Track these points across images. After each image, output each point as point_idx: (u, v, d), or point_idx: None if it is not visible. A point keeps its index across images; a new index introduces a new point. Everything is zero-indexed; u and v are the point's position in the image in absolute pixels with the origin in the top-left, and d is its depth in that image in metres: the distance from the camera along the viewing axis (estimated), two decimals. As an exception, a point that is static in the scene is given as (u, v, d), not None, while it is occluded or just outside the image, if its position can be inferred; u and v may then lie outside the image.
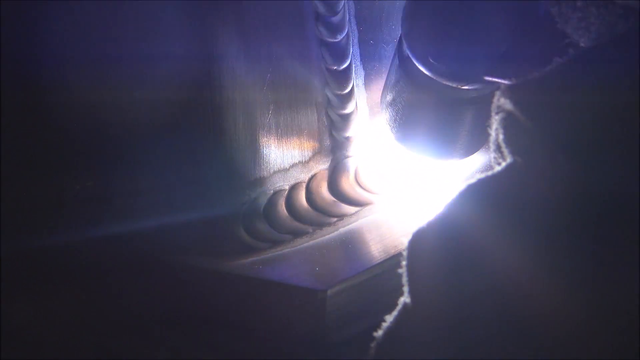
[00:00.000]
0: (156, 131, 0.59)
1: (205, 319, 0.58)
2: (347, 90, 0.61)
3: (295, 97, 0.60)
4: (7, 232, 0.60)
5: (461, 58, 0.52)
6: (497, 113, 0.41)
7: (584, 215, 0.38)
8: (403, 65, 0.55)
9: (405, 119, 0.58)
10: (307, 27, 0.59)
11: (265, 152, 0.59)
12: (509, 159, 0.41)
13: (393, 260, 0.58)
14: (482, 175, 0.41)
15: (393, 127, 0.59)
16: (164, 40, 0.57)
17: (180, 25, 0.56)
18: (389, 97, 0.59)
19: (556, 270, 0.38)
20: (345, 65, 0.60)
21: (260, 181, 0.59)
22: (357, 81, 0.62)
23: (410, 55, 0.53)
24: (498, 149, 0.42)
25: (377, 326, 0.45)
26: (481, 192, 0.41)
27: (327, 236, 0.62)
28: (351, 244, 0.61)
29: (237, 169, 0.58)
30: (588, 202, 0.38)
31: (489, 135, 0.56)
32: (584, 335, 0.38)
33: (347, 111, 0.61)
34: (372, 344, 0.44)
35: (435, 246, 0.42)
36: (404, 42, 0.54)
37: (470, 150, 0.58)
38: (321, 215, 0.62)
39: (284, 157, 0.60)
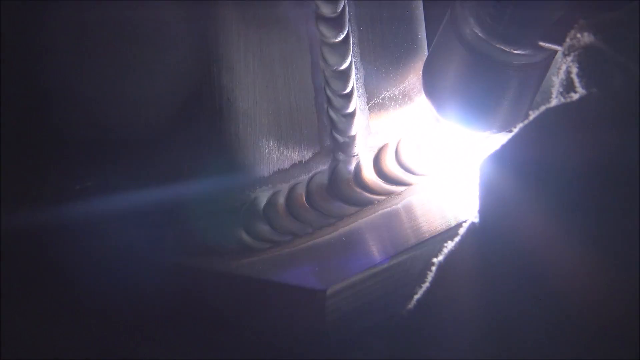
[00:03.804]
0: (156, 132, 0.59)
1: (205, 319, 0.58)
2: (347, 91, 0.61)
3: (296, 97, 0.60)
4: (7, 232, 0.60)
5: (519, 20, 0.53)
6: (568, 54, 0.43)
7: None
8: (455, 28, 0.57)
9: (451, 84, 0.60)
10: (307, 27, 0.59)
11: (265, 152, 0.59)
12: (581, 92, 0.42)
13: (393, 260, 0.58)
14: (560, 102, 0.43)
15: (435, 94, 0.61)
16: (163, 41, 0.57)
17: (180, 25, 0.56)
18: (434, 64, 0.60)
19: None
20: (345, 65, 0.60)
21: (260, 181, 0.59)
22: (357, 81, 0.62)
23: (468, 16, 0.54)
24: (568, 85, 0.43)
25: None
26: (559, 116, 0.43)
27: (327, 236, 0.62)
28: (351, 244, 0.61)
29: (237, 169, 0.58)
30: None
31: (531, 103, 0.56)
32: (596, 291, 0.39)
33: (347, 111, 0.61)
34: (432, 268, 0.45)
35: (508, 166, 0.43)
36: (459, 3, 0.56)
37: (507, 123, 0.60)
38: (321, 215, 0.62)
39: (284, 157, 0.60)
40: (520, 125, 0.44)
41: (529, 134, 0.43)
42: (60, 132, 0.61)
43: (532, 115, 0.44)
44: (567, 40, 0.44)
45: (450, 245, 0.46)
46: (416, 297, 0.47)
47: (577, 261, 0.40)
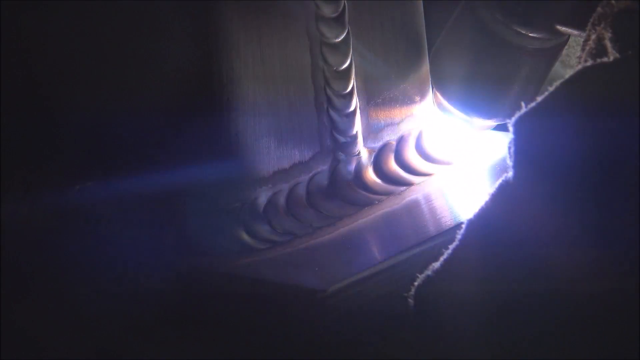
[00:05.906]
0: (155, 132, 0.59)
1: (205, 319, 0.58)
2: (347, 91, 0.61)
3: (296, 96, 0.60)
4: (7, 232, 0.60)
5: (538, 2, 0.54)
6: (598, 24, 0.44)
7: None
8: (473, 10, 0.57)
9: (461, 70, 0.60)
10: (307, 26, 0.59)
11: (265, 152, 0.59)
12: (614, 56, 0.42)
13: (393, 259, 0.58)
14: (596, 62, 0.42)
15: (444, 80, 0.61)
16: (164, 40, 0.57)
17: (180, 25, 0.56)
18: (445, 52, 0.61)
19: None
20: (345, 65, 0.60)
21: (260, 181, 0.59)
22: (357, 81, 0.62)
23: None
24: (599, 51, 0.43)
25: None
26: (596, 77, 0.42)
27: (327, 236, 0.62)
28: (351, 244, 0.61)
29: (237, 169, 0.58)
30: None
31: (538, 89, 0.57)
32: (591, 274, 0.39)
33: (347, 111, 0.61)
34: (464, 223, 0.45)
35: (542, 125, 0.43)
36: None
37: (513, 113, 0.60)
38: (321, 215, 0.62)
39: (284, 157, 0.60)
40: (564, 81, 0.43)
41: (567, 94, 0.43)
42: (60, 132, 0.61)
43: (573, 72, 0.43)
44: (599, 9, 0.44)
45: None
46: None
47: (581, 253, 0.40)
